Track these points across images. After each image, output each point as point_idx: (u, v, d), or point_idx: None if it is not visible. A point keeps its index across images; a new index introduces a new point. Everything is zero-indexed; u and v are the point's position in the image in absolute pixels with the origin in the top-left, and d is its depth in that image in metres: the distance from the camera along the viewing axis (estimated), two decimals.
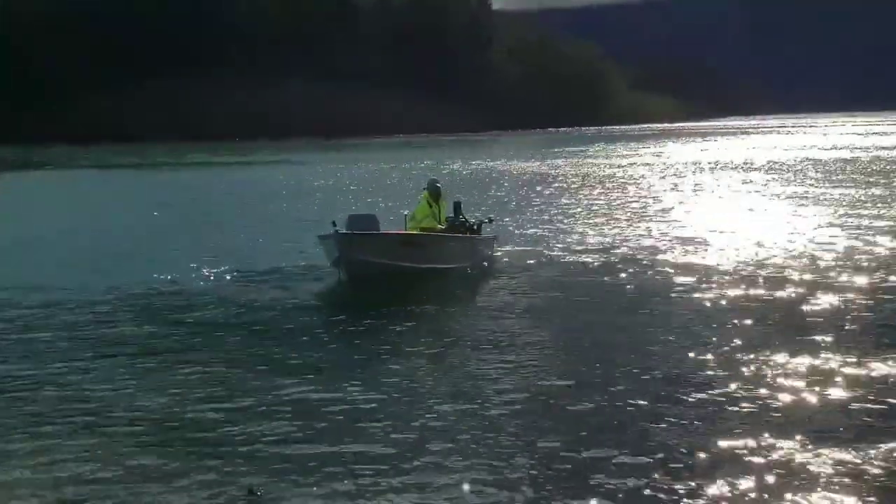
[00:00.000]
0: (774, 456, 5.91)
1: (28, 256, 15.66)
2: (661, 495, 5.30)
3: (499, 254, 15.19)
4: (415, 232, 13.53)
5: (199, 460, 6.01)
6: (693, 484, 5.44)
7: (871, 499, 5.19)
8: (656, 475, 5.56)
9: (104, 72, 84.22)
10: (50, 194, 33.34)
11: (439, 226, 14.00)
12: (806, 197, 26.88)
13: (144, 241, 17.89)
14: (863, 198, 25.84)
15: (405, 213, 14.77)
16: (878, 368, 7.82)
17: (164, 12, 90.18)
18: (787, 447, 6.05)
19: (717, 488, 5.42)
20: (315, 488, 5.54)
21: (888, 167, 38.74)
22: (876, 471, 5.63)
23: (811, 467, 5.72)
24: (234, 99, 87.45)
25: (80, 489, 5.41)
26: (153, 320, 10.54)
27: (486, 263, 13.99)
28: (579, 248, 16.95)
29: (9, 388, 7.80)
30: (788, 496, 5.30)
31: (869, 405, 6.81)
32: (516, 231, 19.82)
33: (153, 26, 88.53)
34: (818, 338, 8.97)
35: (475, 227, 14.84)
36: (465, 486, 5.58)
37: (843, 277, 12.46)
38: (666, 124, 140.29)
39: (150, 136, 75.59)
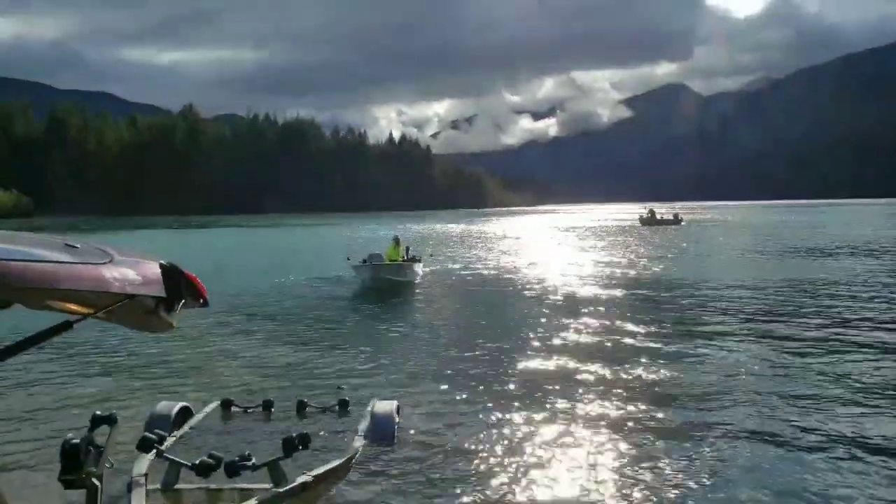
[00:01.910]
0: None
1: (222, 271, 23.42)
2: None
3: (426, 271, 22.20)
4: (399, 261, 19.67)
5: (313, 365, 9.55)
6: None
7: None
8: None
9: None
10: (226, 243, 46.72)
11: (401, 259, 19.99)
12: (588, 245, 39.00)
13: (271, 265, 27.03)
14: (616, 244, 38.61)
15: (378, 252, 20.90)
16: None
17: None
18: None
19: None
20: (372, 387, 8.11)
21: (625, 230, 58.74)
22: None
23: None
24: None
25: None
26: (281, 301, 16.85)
27: (422, 276, 20.85)
28: (471, 267, 25.40)
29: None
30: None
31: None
32: (442, 259, 28.61)
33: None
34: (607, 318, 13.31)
35: (418, 259, 21.43)
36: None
37: (614, 290, 17.48)
38: (518, 207, 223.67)
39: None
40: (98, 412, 3.76)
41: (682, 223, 66.51)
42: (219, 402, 7.06)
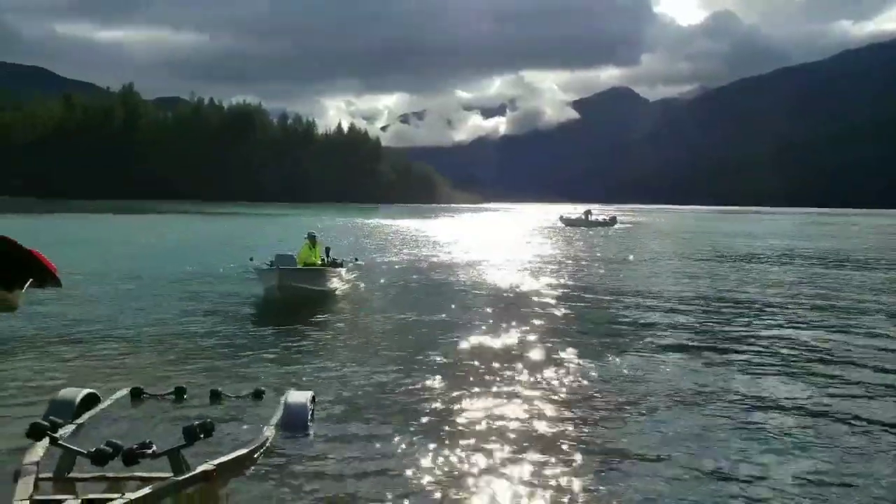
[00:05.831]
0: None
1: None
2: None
3: (353, 276, 19.08)
4: (317, 266, 16.20)
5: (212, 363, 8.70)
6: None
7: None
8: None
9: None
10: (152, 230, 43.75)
11: (318, 262, 16.43)
12: (528, 245, 37.93)
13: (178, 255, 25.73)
14: (549, 243, 39.36)
15: (291, 253, 16.75)
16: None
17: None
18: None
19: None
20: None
21: (562, 231, 59.34)
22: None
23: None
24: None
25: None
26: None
27: (345, 284, 17.74)
28: (405, 270, 23.00)
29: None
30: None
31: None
32: (376, 261, 25.51)
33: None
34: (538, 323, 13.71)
35: (340, 263, 17.82)
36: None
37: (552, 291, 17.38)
38: (466, 204, 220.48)
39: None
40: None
41: (616, 225, 67.79)
42: (128, 390, 6.94)
